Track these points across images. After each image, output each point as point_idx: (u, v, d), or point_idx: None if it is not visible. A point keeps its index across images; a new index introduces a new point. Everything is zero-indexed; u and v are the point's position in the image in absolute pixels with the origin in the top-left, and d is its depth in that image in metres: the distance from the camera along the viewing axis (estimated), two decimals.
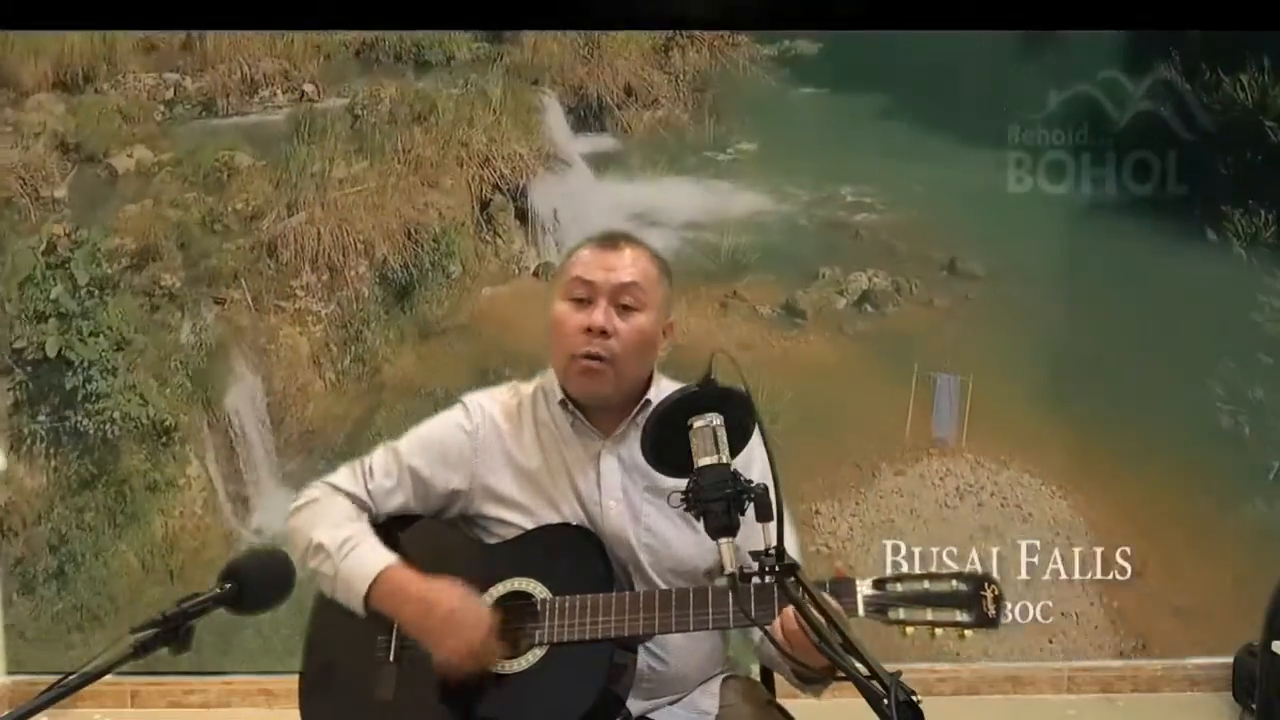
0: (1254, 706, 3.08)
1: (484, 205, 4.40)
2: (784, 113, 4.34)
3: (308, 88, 4.96)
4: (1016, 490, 3.95)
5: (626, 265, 1.73)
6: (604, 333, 1.72)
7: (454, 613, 1.60)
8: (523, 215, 4.43)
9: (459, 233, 4.35)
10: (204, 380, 4.14)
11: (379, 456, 1.79)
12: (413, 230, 4.30)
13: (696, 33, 4.44)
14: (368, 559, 1.66)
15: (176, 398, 4.10)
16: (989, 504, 3.92)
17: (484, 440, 1.75)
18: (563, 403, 1.77)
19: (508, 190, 4.40)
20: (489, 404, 1.80)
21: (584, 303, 1.72)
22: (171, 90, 4.75)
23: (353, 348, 4.25)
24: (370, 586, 1.64)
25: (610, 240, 1.78)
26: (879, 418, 4.10)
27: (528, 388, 1.83)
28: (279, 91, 4.93)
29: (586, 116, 4.53)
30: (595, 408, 1.77)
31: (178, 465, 4.05)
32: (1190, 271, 4.10)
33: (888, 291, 4.27)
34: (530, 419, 1.78)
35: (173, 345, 4.15)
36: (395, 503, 1.77)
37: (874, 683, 1.10)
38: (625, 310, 1.73)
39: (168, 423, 4.02)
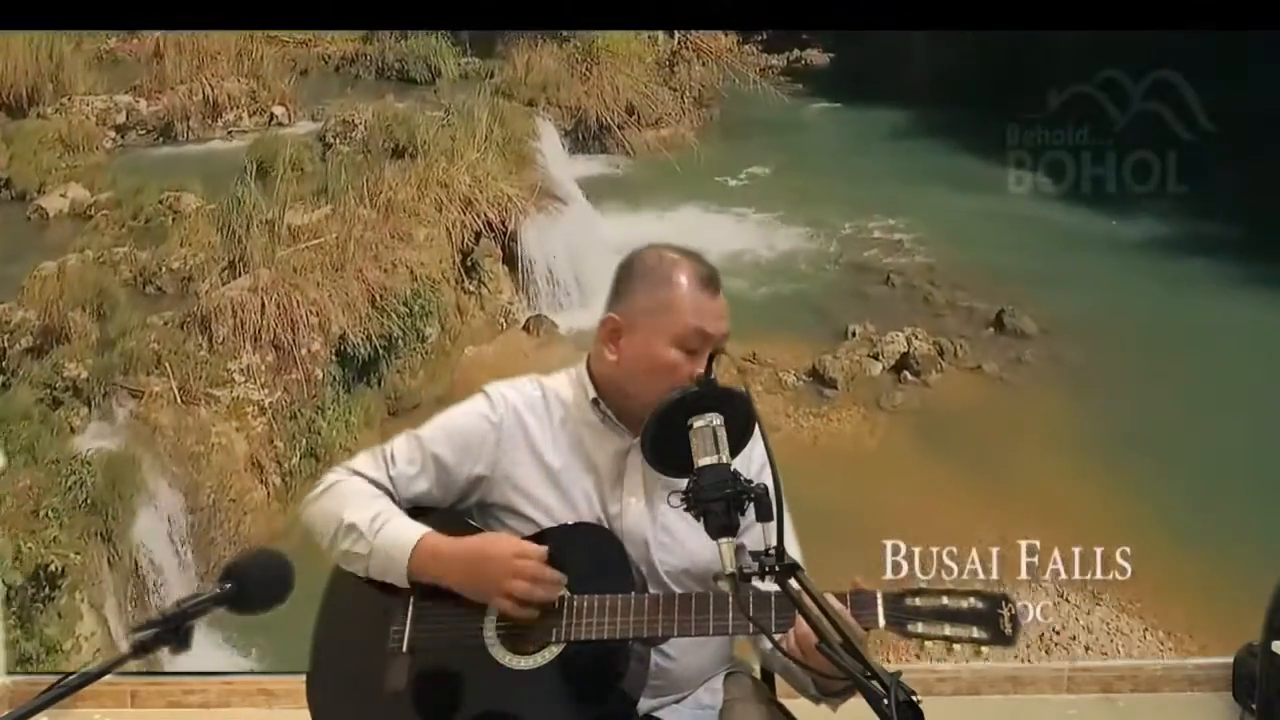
0: (1254, 706, 2.95)
1: (466, 254, 3.87)
2: (796, 131, 4.10)
3: (277, 110, 4.60)
4: (1116, 638, 3.44)
5: (726, 315, 1.70)
6: None
7: (504, 554, 1.58)
8: (512, 261, 3.97)
9: (436, 289, 3.72)
10: (105, 504, 3.30)
11: (401, 444, 1.72)
12: (378, 296, 3.60)
13: (702, 44, 4.16)
14: (403, 531, 1.63)
15: (63, 535, 3.23)
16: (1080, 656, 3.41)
17: (508, 431, 1.70)
18: (595, 401, 1.72)
19: (494, 234, 3.91)
20: (513, 395, 1.74)
21: (694, 352, 1.68)
22: (124, 114, 4.40)
23: (303, 441, 3.51)
24: (411, 555, 1.60)
25: (711, 283, 1.72)
26: (930, 524, 3.56)
27: (552, 382, 1.77)
28: (245, 114, 4.57)
29: (585, 138, 4.23)
30: (629, 410, 1.73)
31: (63, 624, 3.21)
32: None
33: (930, 355, 3.78)
34: (556, 414, 1.74)
35: (67, 462, 3.32)
36: (417, 489, 1.71)
37: (874, 683, 1.13)
38: (716, 354, 1.74)
39: (52, 568, 3.20)
